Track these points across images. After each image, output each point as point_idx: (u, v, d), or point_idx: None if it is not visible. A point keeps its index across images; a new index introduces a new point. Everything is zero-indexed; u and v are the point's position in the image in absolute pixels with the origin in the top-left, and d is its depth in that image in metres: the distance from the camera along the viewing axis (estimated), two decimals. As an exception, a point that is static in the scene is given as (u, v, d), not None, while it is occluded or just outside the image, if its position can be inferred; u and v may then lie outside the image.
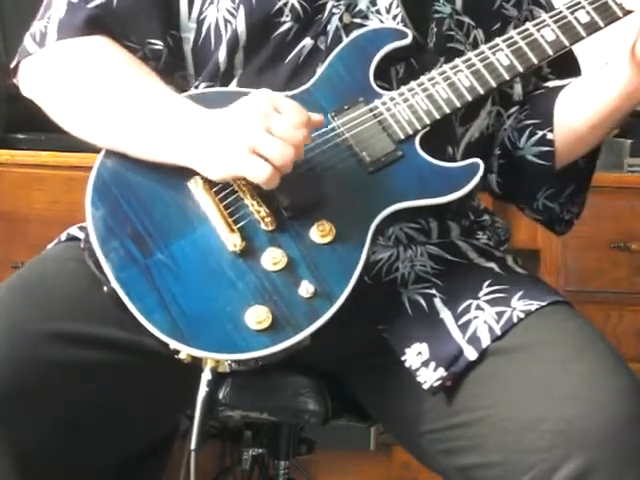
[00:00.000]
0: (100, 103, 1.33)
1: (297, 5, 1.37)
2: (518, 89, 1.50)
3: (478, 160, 1.32)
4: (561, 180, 1.45)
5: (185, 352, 1.22)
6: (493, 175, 1.51)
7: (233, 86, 1.39)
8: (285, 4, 1.37)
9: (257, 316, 1.22)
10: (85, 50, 1.37)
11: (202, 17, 1.41)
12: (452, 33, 1.41)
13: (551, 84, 1.50)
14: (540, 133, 1.44)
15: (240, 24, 1.38)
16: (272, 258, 1.25)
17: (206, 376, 1.23)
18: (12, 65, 1.44)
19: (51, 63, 1.38)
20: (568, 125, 1.42)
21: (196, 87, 1.42)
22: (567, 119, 1.42)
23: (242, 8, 1.38)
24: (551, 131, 1.43)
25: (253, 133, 1.22)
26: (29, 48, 1.41)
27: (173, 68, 1.44)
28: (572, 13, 1.34)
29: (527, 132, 1.45)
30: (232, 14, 1.39)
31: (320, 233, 1.26)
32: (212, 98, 1.34)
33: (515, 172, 1.47)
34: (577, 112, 1.41)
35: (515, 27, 1.44)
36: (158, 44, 1.41)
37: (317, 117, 1.27)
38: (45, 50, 1.39)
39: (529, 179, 1.46)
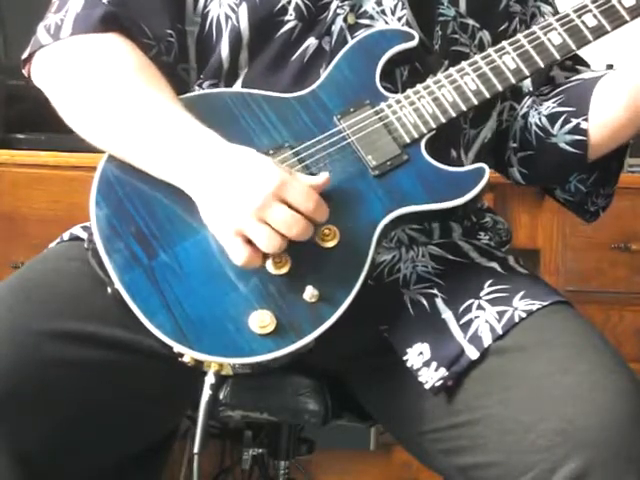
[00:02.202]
0: (105, 108, 1.32)
1: (300, 4, 1.37)
2: (527, 82, 1.49)
3: (484, 165, 1.31)
4: (586, 166, 1.44)
5: (189, 355, 1.21)
6: (514, 169, 1.51)
7: (238, 86, 1.39)
8: (288, 2, 1.37)
9: (261, 320, 1.21)
10: (99, 48, 1.35)
11: (206, 11, 1.41)
12: (456, 36, 1.41)
13: (587, 75, 1.49)
14: (574, 121, 1.43)
15: (243, 21, 1.38)
16: (276, 262, 1.24)
17: (209, 380, 1.22)
18: (24, 56, 1.42)
19: (63, 58, 1.37)
20: (600, 119, 1.41)
21: (200, 85, 1.41)
22: (599, 113, 1.41)
23: (244, 5, 1.38)
24: (585, 120, 1.41)
25: (245, 219, 1.20)
26: (42, 40, 1.39)
27: (178, 61, 1.43)
28: (579, 17, 1.33)
29: (561, 119, 1.44)
30: (233, 10, 1.39)
31: (324, 237, 1.25)
32: (227, 99, 1.33)
33: (546, 159, 1.46)
34: (606, 109, 1.40)
35: (520, 23, 1.43)
36: (171, 37, 1.40)
37: (320, 181, 1.24)
38: (59, 43, 1.37)
39: (561, 166, 1.45)
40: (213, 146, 1.26)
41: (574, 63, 1.52)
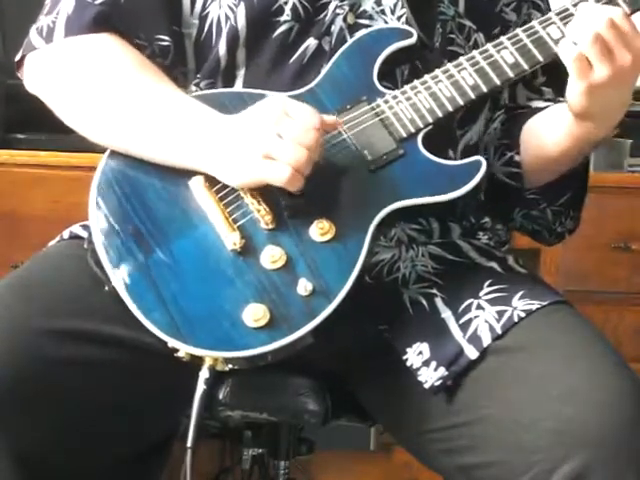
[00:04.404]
0: (110, 104, 1.33)
1: (298, 4, 1.37)
2: (505, 93, 1.50)
3: (480, 158, 1.32)
4: (556, 188, 1.44)
5: (183, 350, 1.22)
6: None
7: (238, 86, 1.39)
8: (285, 3, 1.37)
9: (254, 314, 1.22)
10: (94, 48, 1.36)
11: (205, 13, 1.41)
12: (453, 36, 1.41)
13: (534, 104, 1.49)
14: (509, 154, 1.45)
15: (240, 20, 1.38)
16: (271, 256, 1.25)
17: (204, 374, 1.23)
18: (16, 58, 1.43)
19: (58, 60, 1.38)
20: (531, 150, 1.43)
21: (196, 84, 1.42)
22: (531, 144, 1.43)
23: (242, 4, 1.38)
24: (518, 153, 1.44)
25: (264, 138, 1.23)
26: (35, 42, 1.40)
27: (176, 64, 1.43)
28: None
29: (499, 151, 1.46)
30: (232, 10, 1.39)
31: (320, 231, 1.26)
32: (224, 100, 1.34)
33: (490, 188, 1.46)
34: (538, 140, 1.41)
35: None
36: (166, 40, 1.41)
37: (330, 119, 1.28)
38: (52, 46, 1.38)
39: (503, 198, 1.46)
40: (218, 118, 1.29)
41: (546, 82, 1.51)
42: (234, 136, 1.26)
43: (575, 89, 1.27)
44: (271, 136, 1.23)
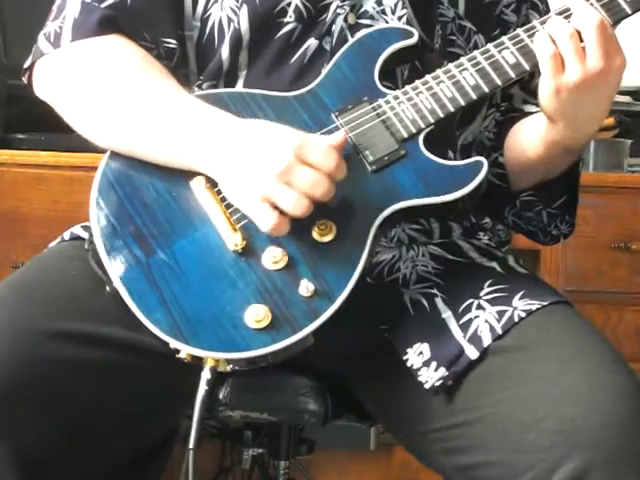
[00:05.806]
0: (118, 107, 1.32)
1: (300, 5, 1.37)
2: (499, 91, 1.50)
3: (482, 158, 1.31)
4: (552, 190, 1.44)
5: (185, 351, 1.22)
6: None
7: (239, 87, 1.39)
8: (288, 4, 1.37)
9: (256, 315, 1.22)
10: (101, 51, 1.36)
11: (206, 15, 1.41)
12: (454, 38, 1.41)
13: (527, 108, 1.49)
14: (494, 155, 1.45)
15: (243, 22, 1.38)
16: (272, 257, 1.25)
17: (205, 375, 1.22)
18: (26, 65, 1.43)
19: (66, 64, 1.38)
20: (512, 153, 1.44)
21: (199, 86, 1.42)
22: (512, 147, 1.44)
23: (245, 7, 1.38)
24: (501, 155, 1.45)
25: (270, 184, 1.21)
26: (43, 48, 1.40)
27: (179, 66, 1.43)
28: None
29: (487, 151, 1.46)
30: (235, 12, 1.39)
31: (321, 232, 1.26)
32: (226, 99, 1.33)
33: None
34: (518, 144, 1.42)
35: None
36: (172, 43, 1.41)
37: (338, 140, 1.25)
38: (60, 51, 1.38)
39: (493, 198, 1.46)
40: (228, 122, 1.28)
41: None
42: (242, 157, 1.24)
43: (545, 87, 1.27)
44: (277, 184, 1.21)
